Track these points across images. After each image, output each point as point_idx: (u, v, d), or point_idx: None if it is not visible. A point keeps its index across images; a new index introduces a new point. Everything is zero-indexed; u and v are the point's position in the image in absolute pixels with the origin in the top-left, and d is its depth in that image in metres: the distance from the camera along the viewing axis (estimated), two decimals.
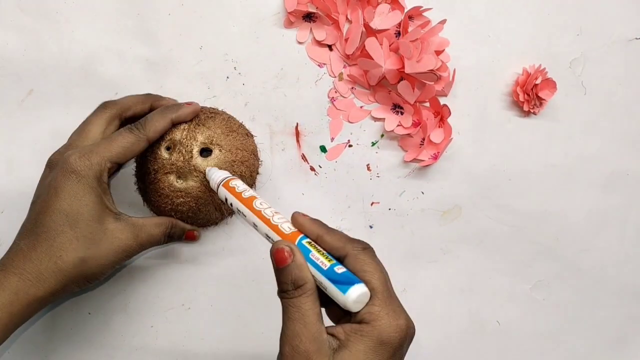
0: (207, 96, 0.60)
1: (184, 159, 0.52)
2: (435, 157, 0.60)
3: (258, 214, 0.47)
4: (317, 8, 0.59)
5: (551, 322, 0.63)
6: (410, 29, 0.58)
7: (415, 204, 0.61)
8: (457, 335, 0.62)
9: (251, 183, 0.56)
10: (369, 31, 0.59)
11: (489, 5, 0.62)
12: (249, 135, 0.57)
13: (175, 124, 0.53)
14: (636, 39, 0.63)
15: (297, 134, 0.61)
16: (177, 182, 0.52)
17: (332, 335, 0.41)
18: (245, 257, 0.60)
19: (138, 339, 0.59)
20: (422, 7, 0.59)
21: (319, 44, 0.60)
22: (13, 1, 0.58)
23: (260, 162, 0.58)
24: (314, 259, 0.43)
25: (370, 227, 0.61)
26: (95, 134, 0.52)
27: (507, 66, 0.62)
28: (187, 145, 0.52)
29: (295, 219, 0.46)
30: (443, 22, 0.59)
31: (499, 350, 0.63)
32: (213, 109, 0.56)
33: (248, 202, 0.47)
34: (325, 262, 0.43)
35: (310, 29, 0.60)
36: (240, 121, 0.57)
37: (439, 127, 0.60)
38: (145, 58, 0.59)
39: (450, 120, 0.60)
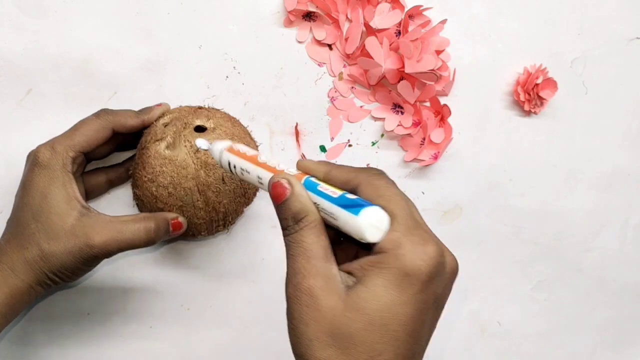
0: (207, 96, 0.59)
1: (176, 129, 0.51)
2: (436, 157, 0.60)
3: (263, 166, 0.42)
4: (317, 7, 0.59)
5: (551, 323, 0.63)
6: (410, 29, 0.58)
7: (415, 204, 0.61)
8: (457, 336, 0.62)
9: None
10: (369, 30, 0.59)
11: (489, 5, 0.62)
12: (252, 138, 0.55)
13: (176, 108, 0.54)
14: (637, 38, 0.63)
15: (297, 133, 0.60)
16: (165, 150, 0.51)
17: (348, 272, 0.36)
18: (245, 257, 0.60)
19: (138, 339, 0.59)
20: (422, 6, 0.58)
21: (319, 43, 0.60)
22: (12, 1, 0.57)
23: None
24: (322, 190, 0.38)
25: None
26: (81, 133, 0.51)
27: (508, 65, 0.62)
28: (184, 120, 0.52)
29: (300, 163, 0.40)
30: (443, 22, 0.59)
31: (500, 351, 0.63)
32: (221, 110, 0.56)
33: (252, 159, 0.44)
34: (335, 191, 0.37)
35: (310, 28, 0.60)
36: (245, 126, 0.56)
37: (439, 126, 0.60)
38: (145, 57, 0.59)
39: (450, 120, 0.59)
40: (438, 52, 0.59)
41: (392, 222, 0.35)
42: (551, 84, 0.61)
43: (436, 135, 0.59)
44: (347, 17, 0.59)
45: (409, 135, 0.60)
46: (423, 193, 0.61)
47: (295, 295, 0.35)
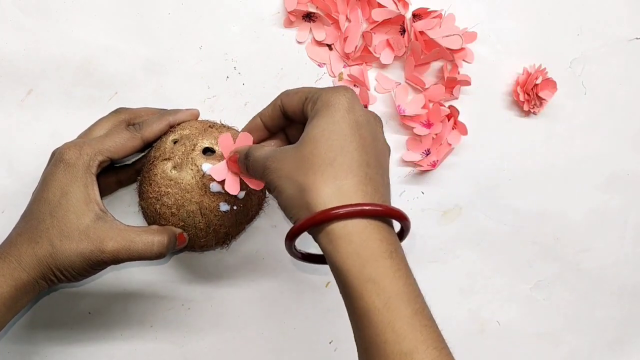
0: (207, 96, 0.60)
1: (185, 150, 0.51)
2: (434, 165, 0.60)
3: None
4: (317, 8, 0.59)
5: (551, 322, 0.63)
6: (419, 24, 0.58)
7: (415, 204, 0.61)
8: (457, 336, 0.62)
9: (251, 201, 0.54)
10: (372, 23, 0.59)
11: (489, 5, 0.62)
12: None
13: (187, 124, 0.54)
14: (636, 39, 0.63)
15: None
16: (171, 171, 0.51)
17: None
18: (246, 257, 0.60)
19: (138, 339, 0.59)
20: (429, 8, 0.58)
21: (319, 43, 0.60)
22: (12, 1, 0.57)
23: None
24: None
25: None
26: (98, 133, 0.52)
27: (507, 66, 0.62)
28: (193, 140, 0.52)
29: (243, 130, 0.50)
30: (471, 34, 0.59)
31: (499, 351, 0.63)
32: (232, 127, 0.56)
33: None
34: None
35: (310, 28, 0.60)
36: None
37: (453, 128, 0.60)
38: (145, 58, 0.59)
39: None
40: (454, 52, 0.59)
41: (309, 96, 0.44)
42: (550, 84, 0.61)
43: (452, 137, 0.60)
44: (347, 18, 0.60)
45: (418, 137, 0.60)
46: (423, 193, 0.62)
47: (264, 169, 0.43)
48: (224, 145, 0.49)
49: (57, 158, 0.49)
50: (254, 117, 0.49)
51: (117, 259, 0.48)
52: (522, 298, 0.63)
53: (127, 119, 0.53)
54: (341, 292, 0.40)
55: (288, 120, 0.48)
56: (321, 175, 0.39)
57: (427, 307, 0.39)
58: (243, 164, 0.46)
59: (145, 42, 0.59)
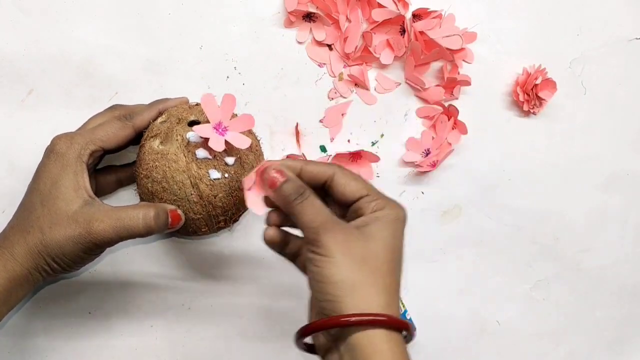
0: None
1: (170, 125, 0.51)
2: (434, 165, 0.60)
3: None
4: (317, 8, 0.59)
5: (551, 322, 0.63)
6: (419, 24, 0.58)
7: (415, 204, 0.61)
8: (457, 335, 0.62)
9: (236, 171, 0.52)
10: (372, 23, 0.59)
11: (489, 5, 0.62)
12: (251, 132, 0.54)
13: (176, 107, 0.54)
14: (636, 39, 0.63)
15: (297, 133, 0.60)
16: (159, 146, 0.51)
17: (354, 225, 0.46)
18: (246, 256, 0.60)
19: (138, 339, 0.59)
20: (429, 8, 0.58)
21: (319, 44, 0.60)
22: (12, 1, 0.58)
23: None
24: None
25: None
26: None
27: (507, 66, 0.62)
28: (179, 115, 0.52)
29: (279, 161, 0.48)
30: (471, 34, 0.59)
31: (499, 350, 0.63)
32: None
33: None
34: (401, 307, 0.57)
35: (310, 29, 0.60)
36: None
37: (453, 128, 0.60)
38: (145, 58, 0.59)
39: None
40: (454, 52, 0.59)
41: (371, 194, 0.46)
42: (550, 84, 0.61)
43: (452, 136, 0.60)
44: (347, 18, 0.60)
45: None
46: (423, 193, 0.62)
47: (311, 230, 0.44)
48: (207, 104, 0.49)
49: (49, 149, 0.50)
50: (298, 161, 0.47)
51: (106, 239, 0.48)
52: (522, 298, 0.63)
53: (122, 114, 0.53)
54: None
55: (320, 189, 0.47)
56: (383, 282, 0.43)
57: None
58: (283, 178, 0.46)
59: (145, 42, 0.59)
